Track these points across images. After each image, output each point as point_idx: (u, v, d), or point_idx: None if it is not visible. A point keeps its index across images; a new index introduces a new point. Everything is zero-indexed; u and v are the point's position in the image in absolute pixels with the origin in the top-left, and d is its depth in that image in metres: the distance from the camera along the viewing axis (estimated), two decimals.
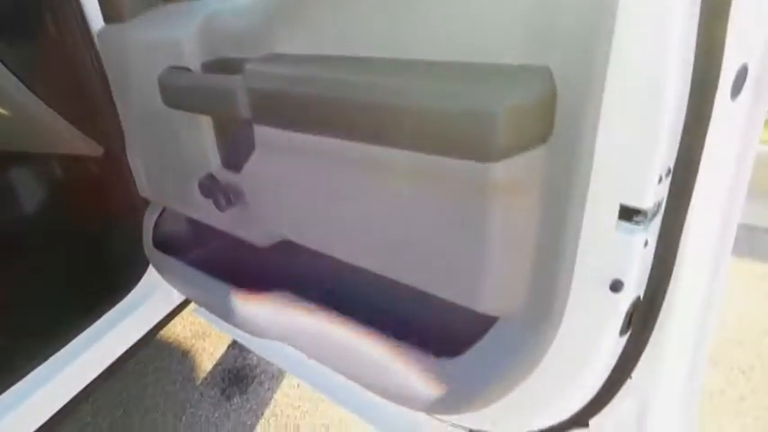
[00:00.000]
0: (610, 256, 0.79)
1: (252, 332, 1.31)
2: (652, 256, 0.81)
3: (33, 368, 1.54)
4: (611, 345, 0.86)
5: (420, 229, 0.89)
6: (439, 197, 0.83)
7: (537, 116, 0.72)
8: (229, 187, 1.19)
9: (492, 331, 0.91)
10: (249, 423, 2.19)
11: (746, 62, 0.74)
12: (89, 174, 1.93)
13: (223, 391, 2.35)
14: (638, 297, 0.83)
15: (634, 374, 0.93)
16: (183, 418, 2.24)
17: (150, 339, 1.93)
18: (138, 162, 1.50)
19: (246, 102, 1.00)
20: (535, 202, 0.79)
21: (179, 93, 1.15)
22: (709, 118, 0.72)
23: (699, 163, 0.75)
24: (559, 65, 0.70)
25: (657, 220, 0.78)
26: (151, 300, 1.87)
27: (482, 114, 0.69)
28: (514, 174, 0.75)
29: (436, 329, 1.01)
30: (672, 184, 0.75)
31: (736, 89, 0.75)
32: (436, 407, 1.04)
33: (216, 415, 2.24)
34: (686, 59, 0.67)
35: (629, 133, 0.71)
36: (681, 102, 0.69)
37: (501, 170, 0.73)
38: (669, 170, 0.74)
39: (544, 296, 0.85)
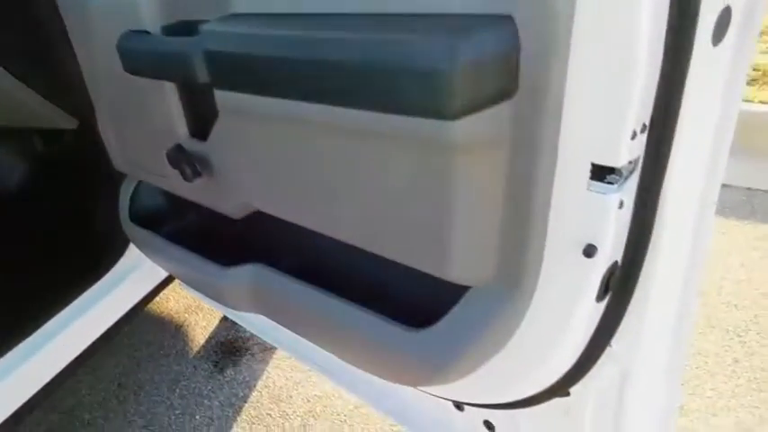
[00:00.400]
0: (582, 219, 0.74)
1: (229, 306, 1.29)
2: (629, 219, 0.76)
3: (15, 345, 1.53)
4: (588, 312, 0.83)
5: (385, 196, 0.84)
6: (402, 161, 0.78)
7: (499, 70, 0.66)
8: (196, 157, 1.15)
9: (463, 300, 0.88)
10: (242, 394, 2.20)
11: (729, 4, 0.68)
12: (66, 147, 1.89)
13: (216, 364, 2.35)
14: (616, 262, 0.79)
15: (614, 342, 0.89)
16: (177, 390, 2.25)
17: (137, 313, 1.92)
18: (109, 134, 1.45)
19: (203, 65, 0.94)
20: (501, 163, 0.74)
21: (137, 58, 1.10)
22: (687, 66, 0.66)
23: (677, 116, 0.69)
24: (523, 13, 0.65)
25: (634, 180, 0.73)
26: (136, 274, 1.85)
27: (438, 69, 0.64)
28: (477, 132, 0.70)
29: (411, 300, 0.98)
30: (648, 139, 0.70)
31: (719, 34, 0.69)
32: (410, 378, 1.02)
33: (209, 387, 2.25)
34: (661, 2, 0.61)
35: (598, 86, 0.65)
36: (656, 50, 0.64)
37: (461, 129, 0.68)
38: (645, 125, 0.68)
39: (516, 263, 0.81)
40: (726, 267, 2.49)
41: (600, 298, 0.81)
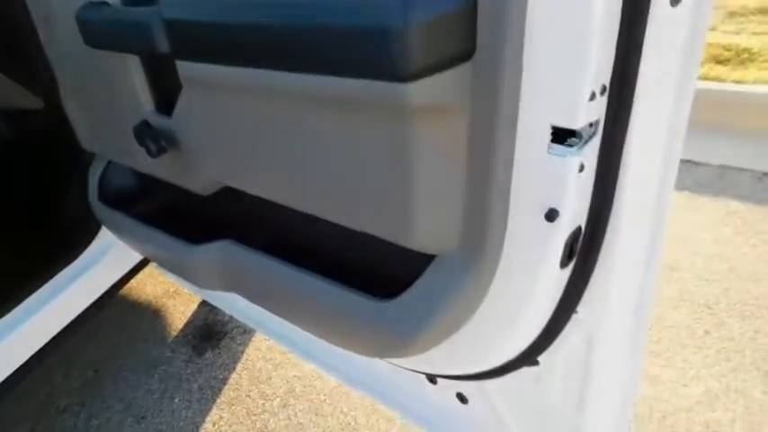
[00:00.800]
0: (543, 183, 0.74)
1: (199, 284, 1.28)
2: (591, 182, 0.77)
3: None
4: (553, 278, 0.83)
5: (346, 164, 0.84)
6: (361, 127, 0.78)
7: (455, 29, 0.66)
8: (162, 133, 1.13)
9: (429, 270, 0.88)
10: (221, 377, 2.20)
11: None
12: (32, 128, 1.85)
13: (194, 348, 2.34)
14: (579, 227, 0.80)
15: (579, 308, 0.90)
16: (155, 374, 2.24)
17: (111, 297, 1.90)
18: (75, 112, 1.42)
19: (163, 35, 0.93)
20: (461, 127, 0.73)
21: (97, 30, 1.07)
22: (644, 27, 0.66)
23: (636, 77, 0.69)
24: None
25: (595, 143, 0.73)
26: (109, 257, 1.82)
27: (391, 27, 0.63)
28: (434, 95, 0.69)
29: (379, 271, 0.98)
30: (609, 101, 0.70)
31: None
32: (378, 350, 1.02)
33: (188, 371, 2.24)
34: None
35: (555, 47, 0.65)
36: (613, 10, 0.64)
37: (418, 92, 0.67)
38: (604, 87, 0.68)
39: (480, 230, 0.81)
40: (698, 243, 2.54)
41: (564, 264, 0.82)
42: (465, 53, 0.68)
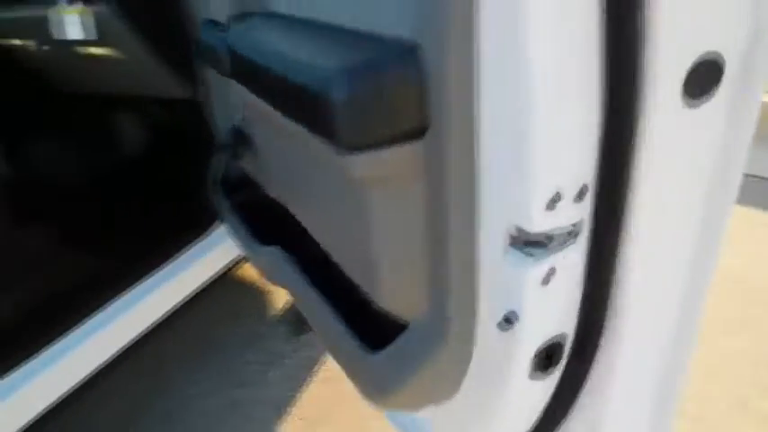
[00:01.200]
0: (500, 286, 0.64)
1: (265, 278, 1.40)
2: (577, 287, 0.65)
3: (121, 293, 1.71)
4: (521, 388, 0.72)
5: (333, 213, 0.84)
6: (334, 182, 0.78)
7: (403, 106, 0.61)
8: (245, 138, 1.26)
9: (404, 333, 0.83)
10: (316, 357, 2.33)
11: (716, 51, 0.54)
12: (181, 116, 2.05)
13: (293, 327, 2.50)
14: (562, 335, 0.68)
15: (571, 418, 0.78)
16: (254, 349, 2.41)
17: (224, 275, 2.08)
18: (208, 105, 1.59)
19: (228, 60, 1.02)
20: (415, 205, 0.68)
21: (200, 45, 1.22)
22: (633, 129, 0.54)
23: (626, 180, 0.57)
24: (433, 43, 0.56)
25: (577, 246, 0.62)
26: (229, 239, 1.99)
27: (332, 97, 0.61)
28: (381, 169, 0.65)
29: (381, 319, 0.93)
30: (597, 202, 0.59)
31: (697, 90, 0.55)
32: (363, 394, 1.00)
33: (286, 348, 2.40)
34: (577, 47, 0.50)
35: (502, 143, 0.56)
36: (585, 105, 0.53)
37: (362, 163, 0.64)
38: (584, 187, 0.58)
39: (443, 308, 0.73)
40: None
41: (537, 372, 0.71)
42: (416, 131, 0.63)
